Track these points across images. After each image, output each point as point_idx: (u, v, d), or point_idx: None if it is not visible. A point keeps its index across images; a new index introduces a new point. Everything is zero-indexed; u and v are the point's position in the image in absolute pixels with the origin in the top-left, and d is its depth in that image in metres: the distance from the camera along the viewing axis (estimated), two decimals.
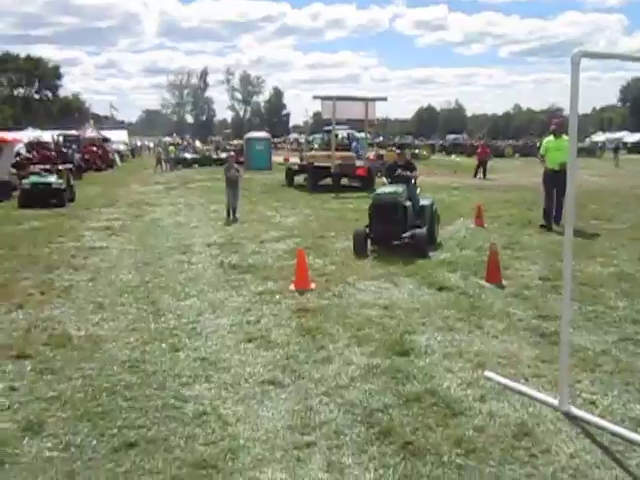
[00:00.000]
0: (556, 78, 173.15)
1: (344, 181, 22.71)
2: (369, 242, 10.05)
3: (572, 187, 4.09)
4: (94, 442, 3.90)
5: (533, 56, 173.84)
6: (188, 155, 42.10)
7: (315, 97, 23.97)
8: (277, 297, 7.31)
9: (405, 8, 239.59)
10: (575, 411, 4.17)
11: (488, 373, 4.87)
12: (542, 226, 12.16)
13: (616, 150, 50.10)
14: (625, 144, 73.74)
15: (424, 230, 9.92)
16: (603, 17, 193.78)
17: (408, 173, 10.69)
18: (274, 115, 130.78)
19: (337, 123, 24.22)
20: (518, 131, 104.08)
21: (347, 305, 6.93)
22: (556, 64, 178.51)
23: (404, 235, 9.73)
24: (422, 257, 9.28)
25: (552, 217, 12.21)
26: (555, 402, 4.27)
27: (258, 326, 6.26)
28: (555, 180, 11.68)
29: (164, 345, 5.70)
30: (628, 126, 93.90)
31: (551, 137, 12.49)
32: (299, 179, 24.07)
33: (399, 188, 10.09)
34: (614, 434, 3.88)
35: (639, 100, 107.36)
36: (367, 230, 10.07)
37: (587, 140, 73.73)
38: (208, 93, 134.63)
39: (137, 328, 6.21)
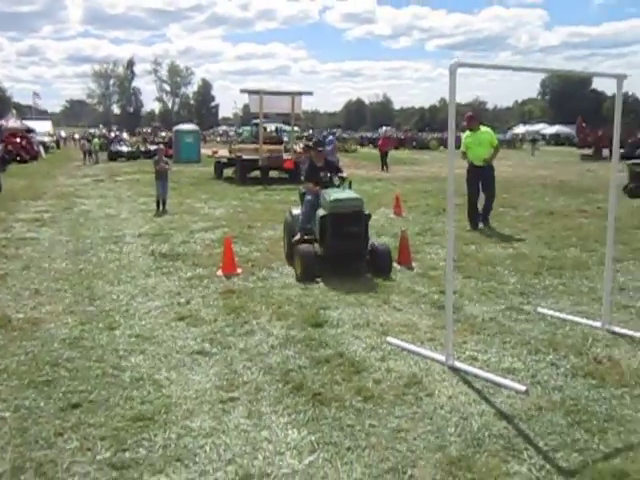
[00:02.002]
0: (481, 72, 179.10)
1: (274, 174, 23.28)
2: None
3: (452, 175, 4.86)
4: (42, 404, 4.40)
5: (459, 50, 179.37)
6: (125, 148, 41.01)
7: (242, 91, 24.44)
8: (205, 281, 7.87)
9: (335, 0, 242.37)
10: (458, 365, 4.97)
11: (389, 338, 5.63)
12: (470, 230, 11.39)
13: (533, 142, 52.96)
14: (543, 136, 77.54)
15: (384, 243, 8.71)
16: (525, 12, 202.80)
17: (341, 175, 8.85)
18: (203, 107, 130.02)
19: (269, 116, 24.71)
20: (444, 124, 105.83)
21: (270, 287, 7.57)
22: (481, 58, 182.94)
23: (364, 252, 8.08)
24: (385, 277, 7.86)
25: (478, 216, 11.74)
26: (442, 358, 5.06)
27: (188, 307, 6.82)
28: (480, 176, 11.60)
29: (101, 325, 6.19)
30: (547, 119, 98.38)
31: (468, 132, 11.80)
32: (228, 172, 24.47)
33: (354, 193, 8.39)
34: (487, 380, 4.69)
35: (558, 93, 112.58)
36: (316, 249, 8.06)
37: (509, 132, 76.92)
38: (135, 83, 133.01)
39: (74, 311, 6.66)
